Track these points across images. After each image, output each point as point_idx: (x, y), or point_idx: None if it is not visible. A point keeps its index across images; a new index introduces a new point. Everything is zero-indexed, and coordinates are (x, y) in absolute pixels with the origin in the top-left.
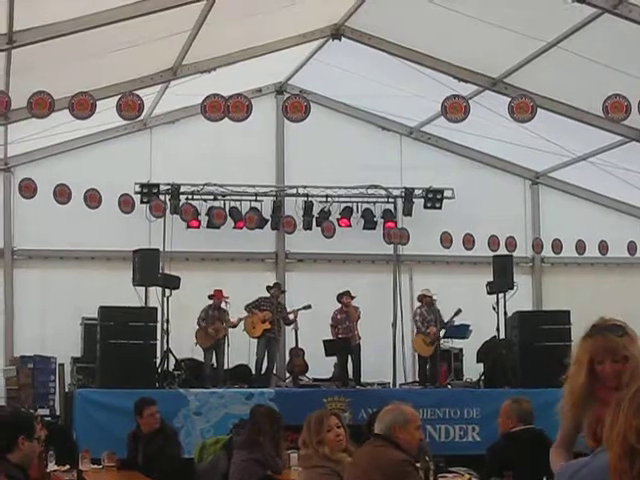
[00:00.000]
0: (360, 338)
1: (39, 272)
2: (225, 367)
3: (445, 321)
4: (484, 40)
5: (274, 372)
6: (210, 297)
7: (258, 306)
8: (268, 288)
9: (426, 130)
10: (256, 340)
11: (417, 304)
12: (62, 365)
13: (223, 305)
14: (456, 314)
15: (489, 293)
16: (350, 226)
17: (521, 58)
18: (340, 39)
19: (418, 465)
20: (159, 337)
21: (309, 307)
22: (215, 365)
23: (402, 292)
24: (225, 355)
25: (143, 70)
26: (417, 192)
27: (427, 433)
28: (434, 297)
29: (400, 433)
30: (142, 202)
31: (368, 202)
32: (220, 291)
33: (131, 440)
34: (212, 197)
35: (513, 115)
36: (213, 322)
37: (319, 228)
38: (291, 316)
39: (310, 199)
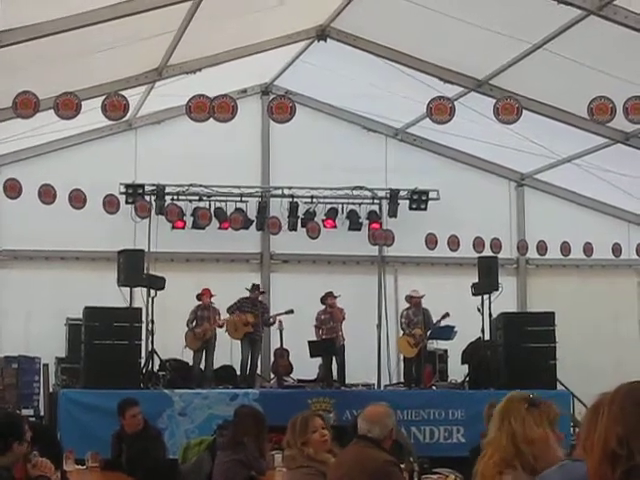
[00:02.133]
0: (344, 339)
1: (24, 272)
2: (212, 368)
3: (434, 323)
4: (469, 42)
5: (259, 373)
6: (198, 297)
7: (240, 308)
8: (248, 291)
9: (411, 132)
10: (239, 341)
11: (404, 305)
12: (46, 365)
13: (213, 304)
14: (443, 317)
15: (474, 294)
16: (335, 227)
17: (506, 60)
18: (326, 40)
19: (402, 466)
20: (144, 338)
21: (291, 312)
22: (203, 366)
23: (387, 293)
24: (213, 356)
25: (128, 70)
26: (402, 193)
27: (412, 434)
28: (419, 295)
29: (393, 436)
30: (127, 203)
31: (353, 203)
32: (208, 290)
33: (115, 441)
34: (197, 198)
35: (498, 117)
36: (202, 323)
37: (304, 229)
38: (272, 320)
39: (295, 200)
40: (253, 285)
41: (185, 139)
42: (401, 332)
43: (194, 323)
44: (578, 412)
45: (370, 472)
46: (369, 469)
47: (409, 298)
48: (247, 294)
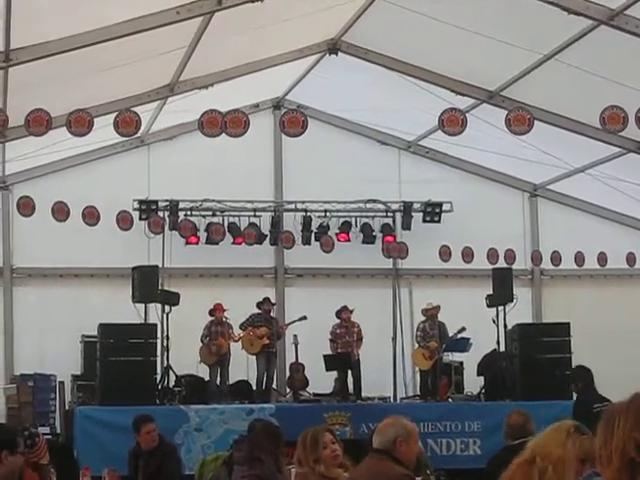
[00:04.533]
0: (359, 354)
1: (38, 290)
2: (227, 383)
3: (449, 337)
4: (481, 53)
5: (274, 387)
6: (211, 313)
7: (252, 323)
8: (258, 305)
9: (424, 144)
10: (254, 356)
11: (420, 318)
12: (62, 383)
13: (226, 319)
14: (460, 332)
15: (489, 306)
16: (349, 241)
17: (518, 71)
18: (337, 54)
19: (419, 479)
20: (159, 354)
21: (305, 318)
22: (218, 381)
23: (402, 306)
24: (228, 371)
25: (140, 87)
26: (416, 206)
27: (428, 447)
28: (434, 307)
29: (402, 446)
30: (141, 219)
31: (367, 216)
32: (220, 305)
33: (131, 457)
34: (211, 213)
35: (510, 128)
36: (216, 338)
37: (318, 243)
38: (283, 329)
39: (309, 214)
40: (264, 299)
41: (198, 154)
42: (416, 345)
43: (208, 339)
44: None
45: None
46: None
47: (425, 311)
48: (258, 310)
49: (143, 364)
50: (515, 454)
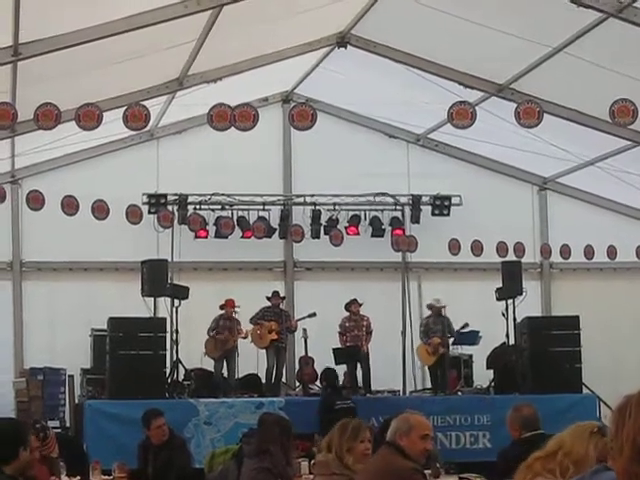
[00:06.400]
0: (368, 347)
1: (48, 284)
2: (235, 377)
3: (454, 330)
4: (490, 46)
5: (284, 381)
6: (221, 307)
7: (263, 317)
8: (268, 298)
9: (433, 137)
10: (264, 350)
11: (428, 311)
12: (72, 377)
13: (235, 315)
14: (462, 327)
15: (498, 299)
16: (358, 234)
17: (527, 64)
18: (346, 47)
19: (428, 472)
20: (168, 347)
21: (314, 315)
22: (226, 375)
23: (411, 299)
24: (236, 365)
25: (149, 81)
26: (425, 199)
27: (438, 440)
28: (441, 305)
29: (402, 440)
30: (150, 213)
31: (376, 210)
32: (232, 300)
33: (141, 451)
34: (220, 207)
35: (520, 121)
36: (223, 332)
37: (327, 236)
38: (294, 326)
39: (318, 207)
40: (273, 292)
41: (207, 148)
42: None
43: (214, 332)
44: (604, 415)
45: (393, 479)
46: (392, 476)
47: (430, 306)
48: (268, 304)
49: (152, 358)
50: (529, 447)
